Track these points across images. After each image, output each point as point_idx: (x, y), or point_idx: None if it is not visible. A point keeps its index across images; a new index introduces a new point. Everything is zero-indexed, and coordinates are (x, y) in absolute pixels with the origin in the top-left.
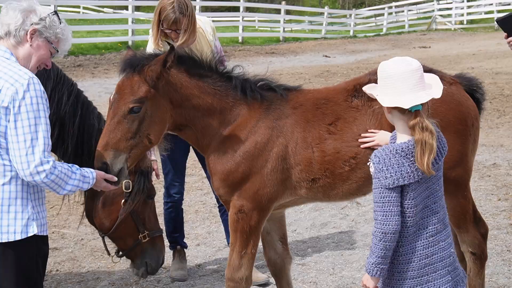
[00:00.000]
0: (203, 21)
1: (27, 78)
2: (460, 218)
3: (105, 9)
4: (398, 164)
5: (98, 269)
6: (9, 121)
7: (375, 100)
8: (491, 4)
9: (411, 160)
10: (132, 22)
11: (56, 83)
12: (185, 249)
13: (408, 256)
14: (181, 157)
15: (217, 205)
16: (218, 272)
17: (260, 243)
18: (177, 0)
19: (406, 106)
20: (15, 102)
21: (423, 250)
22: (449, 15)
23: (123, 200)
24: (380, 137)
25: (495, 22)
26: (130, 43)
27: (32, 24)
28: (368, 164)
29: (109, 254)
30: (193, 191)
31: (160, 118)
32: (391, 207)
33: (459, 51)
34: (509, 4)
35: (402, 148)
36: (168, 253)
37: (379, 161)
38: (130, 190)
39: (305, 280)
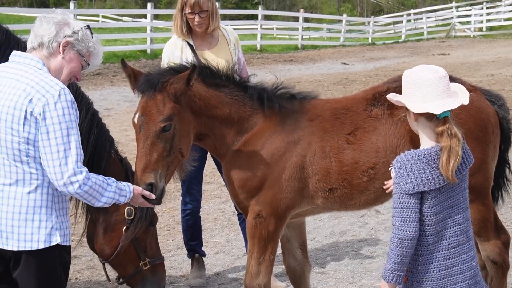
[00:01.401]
0: (228, 30)
1: (58, 89)
2: (480, 226)
3: (124, 18)
4: (419, 170)
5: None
6: (40, 132)
7: (395, 108)
8: (511, 11)
9: (433, 167)
10: (151, 31)
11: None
12: (203, 257)
13: (427, 266)
14: (198, 165)
15: (236, 213)
16: (237, 281)
17: (279, 250)
18: None
19: (438, 111)
20: (45, 113)
21: (443, 261)
22: (468, 22)
23: (124, 227)
24: None
25: None
26: (148, 51)
27: (65, 36)
28: (389, 169)
29: (109, 280)
30: (211, 199)
31: (186, 131)
32: (410, 213)
33: (479, 58)
34: None
35: (424, 154)
36: (187, 261)
37: (400, 166)
38: (132, 217)
39: None
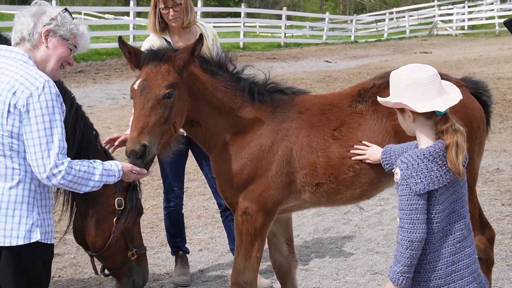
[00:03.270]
0: (205, 26)
1: (43, 81)
2: None
3: (106, 15)
4: (428, 169)
5: (101, 276)
6: (23, 124)
7: (381, 105)
8: (492, 9)
9: (439, 164)
10: (134, 28)
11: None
12: (187, 255)
13: (434, 264)
14: (179, 161)
15: (219, 210)
16: (221, 278)
17: (266, 246)
18: None
19: (443, 108)
20: (29, 105)
21: (449, 257)
22: (450, 21)
23: (115, 218)
24: (371, 152)
25: (503, 24)
26: None
27: (44, 25)
28: (393, 171)
29: (97, 273)
30: (195, 196)
31: (182, 108)
32: (419, 215)
33: (461, 56)
34: (510, 10)
35: (430, 152)
36: (171, 259)
37: (407, 167)
38: (122, 207)
39: (308, 286)
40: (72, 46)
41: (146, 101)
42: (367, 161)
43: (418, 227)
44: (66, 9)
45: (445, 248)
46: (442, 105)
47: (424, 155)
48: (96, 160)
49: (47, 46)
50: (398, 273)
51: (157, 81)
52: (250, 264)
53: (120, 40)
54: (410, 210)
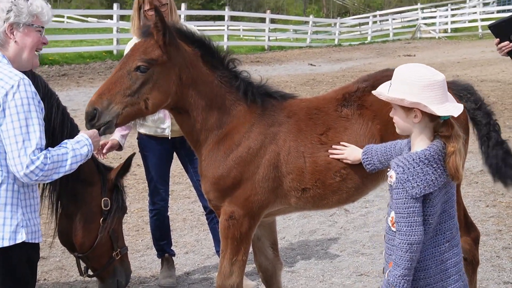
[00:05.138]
0: (189, 28)
1: (18, 79)
2: None
3: (89, 19)
4: (423, 173)
5: (86, 278)
6: (0, 123)
7: (365, 109)
8: (475, 12)
9: (434, 167)
10: (117, 31)
11: (44, 95)
12: (173, 257)
13: (425, 263)
14: (164, 164)
15: (205, 213)
16: (207, 280)
17: (250, 249)
18: None
19: (456, 114)
20: (4, 104)
21: (439, 256)
22: (433, 24)
23: (101, 218)
24: (350, 152)
25: (488, 28)
26: (115, 52)
27: (4, 21)
28: (388, 174)
29: (82, 274)
30: (180, 199)
31: (164, 88)
32: (416, 217)
33: (444, 59)
34: (492, 13)
35: (426, 156)
36: (157, 261)
37: (403, 171)
38: (108, 208)
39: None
40: (40, 28)
41: (118, 70)
42: (345, 161)
43: (416, 229)
44: None
45: (435, 247)
46: (453, 110)
47: (419, 158)
48: (63, 142)
49: (15, 41)
50: (399, 276)
51: (136, 53)
52: (236, 267)
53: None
54: (408, 213)
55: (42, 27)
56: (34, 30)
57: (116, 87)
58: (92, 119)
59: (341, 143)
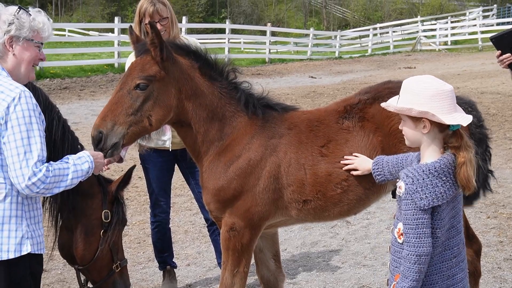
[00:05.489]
0: (190, 41)
1: (18, 92)
2: None
3: (90, 32)
4: (432, 185)
5: None
6: (2, 136)
7: (366, 121)
8: (475, 25)
9: (443, 180)
10: (118, 45)
11: (45, 107)
12: (175, 269)
13: (432, 277)
14: (165, 176)
15: (206, 225)
16: None
17: (252, 261)
18: None
19: (465, 123)
20: (6, 116)
21: (446, 271)
22: (434, 36)
23: (102, 231)
24: (360, 162)
25: (490, 40)
26: (116, 65)
27: (4, 33)
28: (397, 184)
29: (82, 287)
30: (182, 211)
31: (165, 103)
32: (425, 229)
33: (444, 71)
34: (492, 25)
35: (435, 168)
36: (159, 273)
37: (413, 182)
38: (109, 220)
39: None
40: (39, 44)
41: (118, 90)
42: (356, 172)
43: (425, 241)
44: (20, 7)
45: (442, 262)
46: (461, 120)
47: (429, 170)
48: (65, 157)
49: (14, 54)
50: None
51: (134, 72)
52: (237, 279)
53: (130, 29)
54: (416, 224)
55: (41, 43)
56: (33, 45)
57: (118, 107)
58: (99, 142)
59: (354, 154)
